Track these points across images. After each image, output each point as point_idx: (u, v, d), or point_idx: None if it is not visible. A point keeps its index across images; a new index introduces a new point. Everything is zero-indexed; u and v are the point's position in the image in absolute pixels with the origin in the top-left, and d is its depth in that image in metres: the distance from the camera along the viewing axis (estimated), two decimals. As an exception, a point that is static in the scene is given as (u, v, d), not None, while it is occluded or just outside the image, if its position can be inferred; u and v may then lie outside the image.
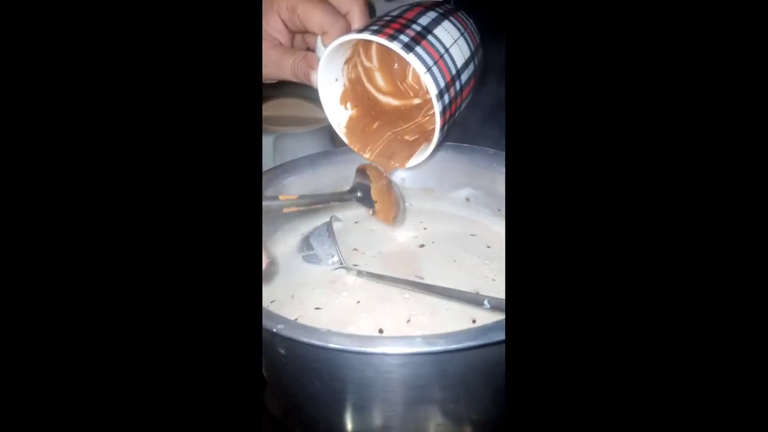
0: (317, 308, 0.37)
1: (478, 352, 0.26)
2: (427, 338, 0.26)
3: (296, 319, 0.35)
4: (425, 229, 0.47)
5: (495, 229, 0.46)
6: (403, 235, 0.46)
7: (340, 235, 0.44)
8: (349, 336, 0.26)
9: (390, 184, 0.40)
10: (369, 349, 0.26)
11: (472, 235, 0.46)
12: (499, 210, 0.45)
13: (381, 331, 0.35)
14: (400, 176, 0.47)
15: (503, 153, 0.43)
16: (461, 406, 0.31)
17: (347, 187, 0.40)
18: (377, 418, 0.32)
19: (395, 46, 0.32)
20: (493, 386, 0.30)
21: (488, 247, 0.44)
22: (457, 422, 0.32)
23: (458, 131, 0.44)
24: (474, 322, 0.35)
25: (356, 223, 0.48)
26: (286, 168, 0.45)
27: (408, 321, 0.36)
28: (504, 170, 0.42)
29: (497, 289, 0.39)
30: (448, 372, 0.28)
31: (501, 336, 0.25)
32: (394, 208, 0.40)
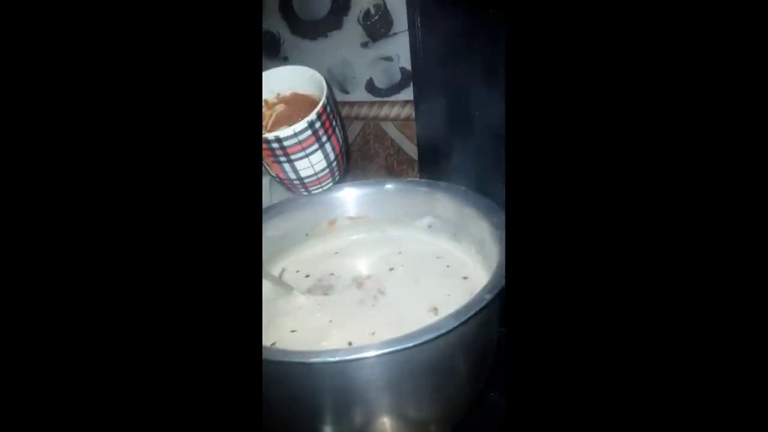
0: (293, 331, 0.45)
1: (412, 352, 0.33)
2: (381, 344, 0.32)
3: (274, 344, 0.42)
4: (399, 253, 0.54)
5: (453, 251, 0.53)
6: (378, 259, 0.54)
7: (321, 261, 0.52)
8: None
9: None
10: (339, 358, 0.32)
11: (437, 257, 0.53)
12: (455, 235, 0.52)
13: (350, 343, 0.42)
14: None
15: (455, 186, 0.51)
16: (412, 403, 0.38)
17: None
18: (355, 420, 0.38)
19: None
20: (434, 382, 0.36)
21: (447, 266, 0.51)
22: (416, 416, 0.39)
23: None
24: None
25: (336, 254, 0.56)
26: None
27: (373, 333, 0.43)
28: (453, 202, 0.50)
29: (452, 302, 0.46)
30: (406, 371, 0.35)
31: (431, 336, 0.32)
32: None
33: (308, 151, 0.46)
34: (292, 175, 0.48)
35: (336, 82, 0.80)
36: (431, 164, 0.71)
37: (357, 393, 0.35)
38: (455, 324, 0.32)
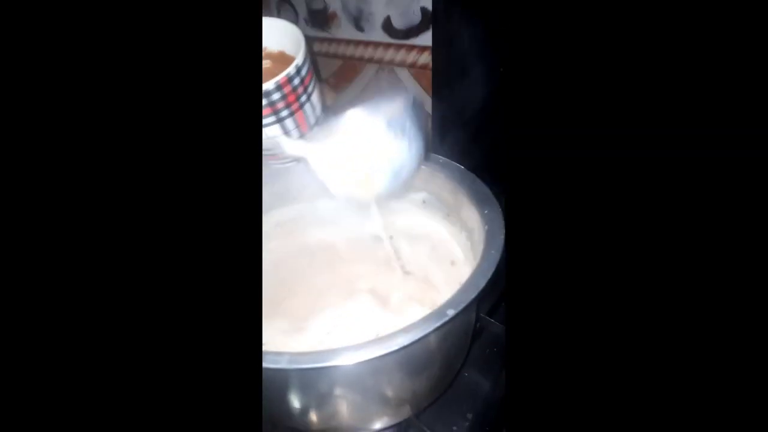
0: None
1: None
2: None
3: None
4: (393, 222, 0.51)
5: (444, 233, 0.49)
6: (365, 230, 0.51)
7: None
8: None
9: None
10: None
11: (426, 236, 0.50)
12: (448, 215, 0.48)
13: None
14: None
15: (454, 165, 0.46)
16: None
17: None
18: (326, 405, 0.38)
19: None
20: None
21: (434, 248, 0.48)
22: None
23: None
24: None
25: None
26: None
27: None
28: (450, 182, 0.45)
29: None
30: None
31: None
32: None
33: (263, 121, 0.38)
34: None
35: (350, 17, 0.71)
36: (445, 122, 0.65)
37: (326, 389, 0.35)
38: (409, 341, 0.29)
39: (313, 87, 0.40)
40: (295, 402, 0.36)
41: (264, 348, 0.29)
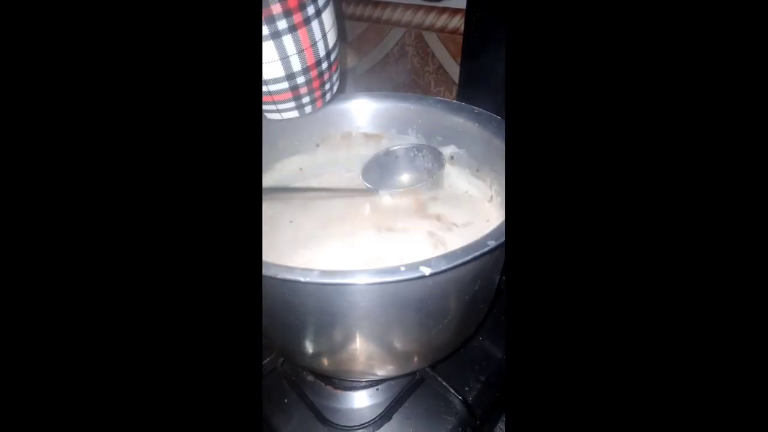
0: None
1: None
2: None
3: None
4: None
5: (472, 190, 0.47)
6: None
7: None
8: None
9: None
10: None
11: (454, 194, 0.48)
12: (477, 171, 0.46)
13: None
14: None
15: (491, 115, 0.44)
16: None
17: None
18: (336, 339, 0.37)
19: None
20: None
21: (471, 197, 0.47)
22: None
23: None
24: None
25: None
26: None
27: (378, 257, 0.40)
28: (484, 132, 0.43)
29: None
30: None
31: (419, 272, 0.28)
32: None
33: None
34: None
35: (381, -23, 0.70)
36: (472, 91, 0.63)
37: (341, 315, 0.33)
38: (446, 266, 0.28)
39: (326, 2, 0.29)
40: (314, 331, 0.34)
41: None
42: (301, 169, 0.51)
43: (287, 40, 0.27)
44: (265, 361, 0.44)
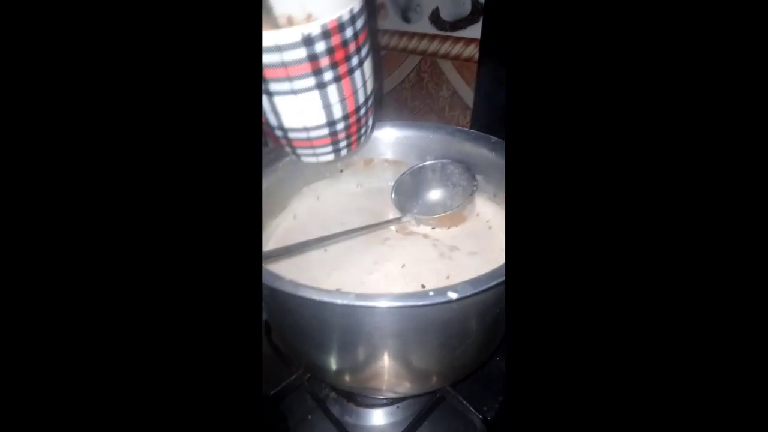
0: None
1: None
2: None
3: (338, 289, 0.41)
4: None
5: (491, 216, 0.50)
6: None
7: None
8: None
9: None
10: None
11: (477, 214, 0.50)
12: (495, 196, 0.49)
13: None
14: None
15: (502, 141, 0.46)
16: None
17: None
18: (358, 357, 0.39)
19: None
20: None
21: (490, 227, 0.48)
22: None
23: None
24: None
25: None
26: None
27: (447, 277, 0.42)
28: (501, 160, 0.45)
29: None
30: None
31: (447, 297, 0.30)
32: None
33: (296, 85, 0.26)
34: (272, 119, 0.29)
35: (398, 8, 0.73)
36: (486, 115, 0.66)
37: (370, 335, 0.35)
38: (472, 291, 0.30)
39: (367, 53, 0.30)
40: (343, 349, 0.36)
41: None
42: (318, 197, 0.54)
43: (332, 90, 0.28)
44: (292, 378, 0.46)
